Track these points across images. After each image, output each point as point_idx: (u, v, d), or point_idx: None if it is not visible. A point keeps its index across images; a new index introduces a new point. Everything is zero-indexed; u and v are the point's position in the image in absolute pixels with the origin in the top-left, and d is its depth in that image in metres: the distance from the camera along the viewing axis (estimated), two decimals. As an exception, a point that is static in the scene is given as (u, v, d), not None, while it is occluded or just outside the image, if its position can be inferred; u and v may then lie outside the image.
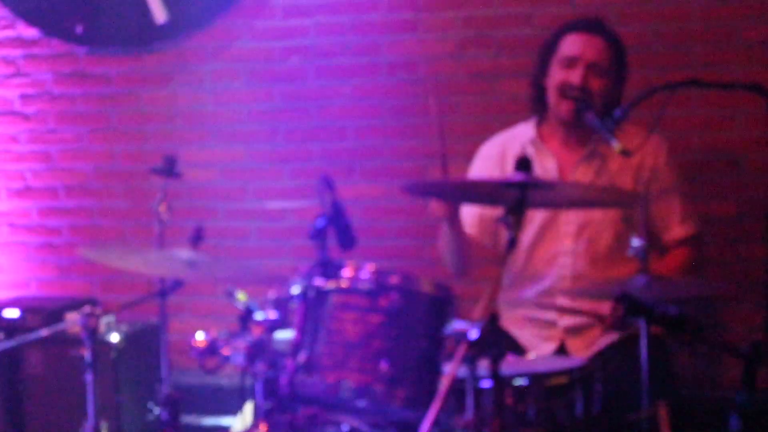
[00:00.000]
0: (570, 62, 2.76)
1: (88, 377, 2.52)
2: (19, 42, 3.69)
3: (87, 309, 2.45)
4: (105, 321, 2.60)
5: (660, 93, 2.63)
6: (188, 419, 3.20)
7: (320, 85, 3.53)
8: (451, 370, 1.88)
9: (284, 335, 2.29)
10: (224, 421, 3.46)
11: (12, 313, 3.28)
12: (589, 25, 2.84)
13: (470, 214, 2.86)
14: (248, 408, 2.43)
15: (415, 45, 3.46)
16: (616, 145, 2.52)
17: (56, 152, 3.67)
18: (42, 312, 3.25)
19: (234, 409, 2.75)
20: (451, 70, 3.40)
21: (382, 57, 3.46)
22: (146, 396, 3.38)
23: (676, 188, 2.86)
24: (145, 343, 3.35)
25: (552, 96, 2.79)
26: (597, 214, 2.79)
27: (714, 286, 2.92)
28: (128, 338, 3.20)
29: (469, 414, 1.99)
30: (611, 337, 2.71)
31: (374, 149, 3.51)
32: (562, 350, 2.77)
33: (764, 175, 2.64)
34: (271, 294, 2.29)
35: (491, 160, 2.91)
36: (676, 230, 2.82)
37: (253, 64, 3.56)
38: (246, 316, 2.25)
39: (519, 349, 2.75)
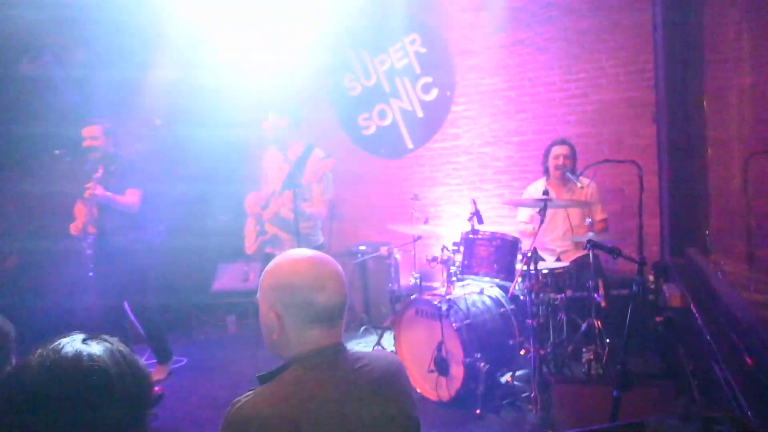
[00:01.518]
0: (556, 156, 4.96)
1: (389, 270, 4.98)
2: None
3: (388, 245, 4.96)
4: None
5: (593, 166, 4.49)
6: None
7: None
8: (519, 267, 4.12)
9: (459, 257, 4.43)
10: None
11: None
12: (562, 141, 5.03)
13: (526, 213, 5.10)
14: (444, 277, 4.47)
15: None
16: (578, 185, 4.72)
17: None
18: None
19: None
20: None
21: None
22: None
23: (600, 201, 5.01)
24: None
25: (551, 169, 4.99)
26: (573, 211, 4.91)
27: (614, 239, 4.54)
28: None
29: (527, 283, 4.07)
30: (579, 254, 4.79)
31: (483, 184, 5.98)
32: (558, 260, 4.88)
33: (636, 198, 4.26)
34: (455, 240, 4.45)
35: (531, 192, 5.10)
36: (599, 215, 5.00)
37: (449, 155, 6.11)
38: (443, 249, 4.45)
39: (543, 260, 4.58)
